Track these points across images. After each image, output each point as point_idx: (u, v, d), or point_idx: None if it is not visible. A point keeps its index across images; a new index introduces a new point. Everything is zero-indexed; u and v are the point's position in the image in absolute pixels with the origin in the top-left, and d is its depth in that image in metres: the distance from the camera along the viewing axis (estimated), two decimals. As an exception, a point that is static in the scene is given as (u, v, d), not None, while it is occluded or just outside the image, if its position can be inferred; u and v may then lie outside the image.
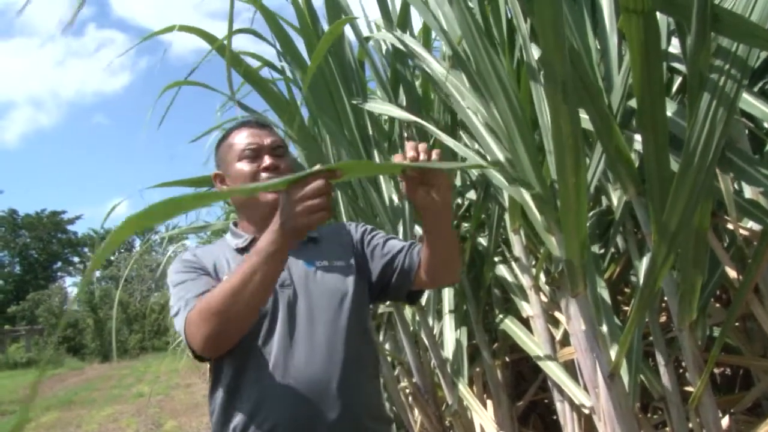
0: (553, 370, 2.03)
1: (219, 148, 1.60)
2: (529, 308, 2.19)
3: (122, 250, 46.26)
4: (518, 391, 2.73)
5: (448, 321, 2.51)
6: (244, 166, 1.50)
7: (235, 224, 1.64)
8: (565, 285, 1.51)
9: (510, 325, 2.27)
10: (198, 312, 1.27)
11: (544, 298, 2.20)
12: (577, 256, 1.44)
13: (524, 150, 1.51)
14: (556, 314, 2.13)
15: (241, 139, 1.54)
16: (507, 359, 2.62)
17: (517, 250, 2.20)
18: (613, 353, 1.55)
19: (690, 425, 1.57)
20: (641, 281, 1.52)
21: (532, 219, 1.68)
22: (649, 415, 1.97)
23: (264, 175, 1.48)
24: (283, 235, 1.14)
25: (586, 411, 1.92)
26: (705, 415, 1.48)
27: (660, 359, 1.59)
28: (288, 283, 1.44)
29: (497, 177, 1.82)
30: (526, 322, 2.22)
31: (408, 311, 2.76)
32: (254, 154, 1.51)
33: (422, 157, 1.15)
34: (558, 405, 2.09)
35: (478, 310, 2.45)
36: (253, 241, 1.51)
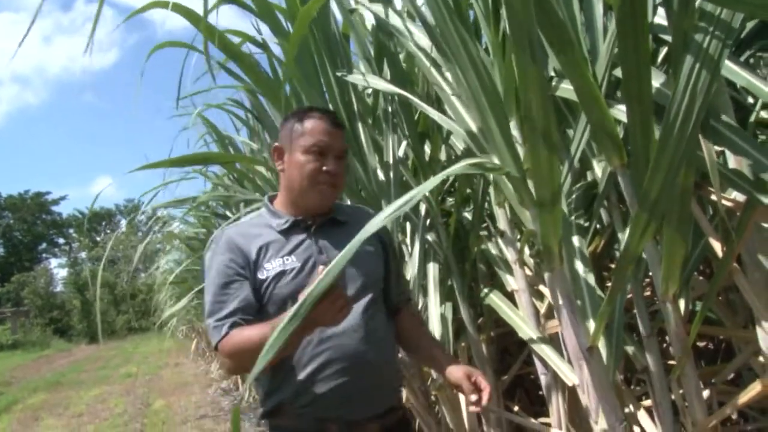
0: (538, 344, 2.04)
1: (289, 124, 1.64)
2: (514, 282, 2.18)
3: (108, 231, 45.98)
4: (504, 366, 2.74)
5: (433, 296, 2.51)
6: (308, 161, 1.57)
7: (271, 200, 1.73)
8: (544, 260, 1.51)
9: (495, 300, 2.27)
10: (231, 349, 1.47)
11: (528, 272, 2.20)
12: (552, 232, 1.43)
13: (496, 125, 1.49)
14: (541, 288, 2.13)
15: (315, 132, 1.58)
16: (492, 334, 2.62)
17: (502, 223, 2.19)
18: (592, 327, 1.55)
19: (672, 396, 1.57)
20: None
21: (507, 194, 1.67)
22: (632, 387, 1.98)
23: (323, 177, 1.57)
24: (303, 329, 1.29)
25: (570, 384, 1.93)
26: (687, 385, 1.48)
27: (643, 331, 1.59)
28: (319, 255, 1.59)
29: (478, 152, 1.80)
30: (511, 296, 2.22)
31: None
32: (321, 152, 1.58)
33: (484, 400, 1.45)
34: (542, 378, 2.10)
35: (463, 285, 2.44)
36: (294, 224, 1.63)
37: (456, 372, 1.56)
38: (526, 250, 2.13)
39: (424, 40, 2.12)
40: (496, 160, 1.55)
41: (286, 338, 1.13)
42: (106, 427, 7.88)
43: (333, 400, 1.55)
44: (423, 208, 2.53)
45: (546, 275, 1.59)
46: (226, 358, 1.50)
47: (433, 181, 1.27)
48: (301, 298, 1.16)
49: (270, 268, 1.59)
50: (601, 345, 1.58)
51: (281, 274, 1.58)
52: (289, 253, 1.60)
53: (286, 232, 1.63)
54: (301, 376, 1.54)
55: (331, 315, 1.27)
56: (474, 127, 1.87)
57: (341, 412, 1.56)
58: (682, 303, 1.52)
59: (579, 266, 1.70)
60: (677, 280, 1.42)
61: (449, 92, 1.96)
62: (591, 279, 1.68)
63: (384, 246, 1.77)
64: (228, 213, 4.37)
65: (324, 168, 1.57)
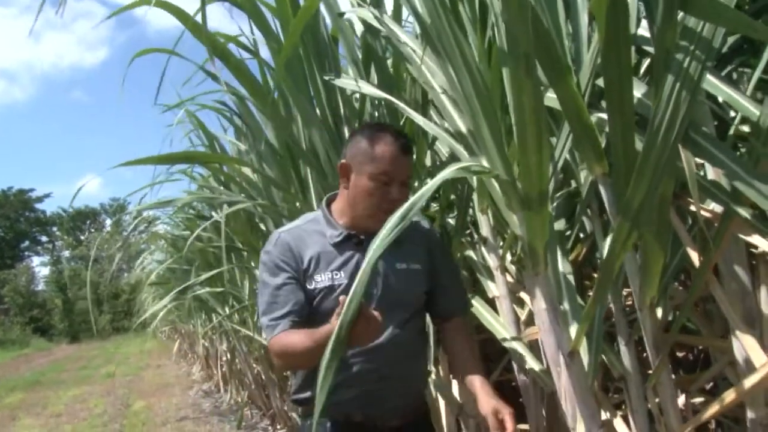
0: (517, 350, 2.05)
1: (359, 143, 1.64)
2: (495, 289, 2.20)
3: (92, 230, 45.63)
4: (484, 373, 2.75)
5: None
6: (374, 189, 1.60)
7: (328, 204, 1.76)
8: (528, 264, 1.52)
9: (476, 306, 2.28)
10: (278, 350, 1.57)
11: (510, 279, 2.21)
12: (539, 235, 1.45)
13: (487, 128, 1.50)
14: (522, 294, 2.14)
15: (385, 160, 1.60)
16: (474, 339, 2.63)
17: (485, 230, 2.20)
18: (573, 332, 1.56)
19: (648, 405, 1.59)
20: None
21: (495, 197, 1.69)
22: (610, 394, 1.99)
23: (386, 206, 1.56)
24: (350, 345, 1.33)
25: (549, 390, 1.94)
26: (663, 393, 1.50)
27: (621, 339, 1.60)
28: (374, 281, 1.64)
29: (465, 156, 1.81)
30: (492, 303, 2.23)
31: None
32: (388, 180, 1.60)
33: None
34: (521, 384, 2.11)
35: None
36: (347, 237, 1.67)
37: (486, 405, 1.58)
38: (508, 257, 2.14)
39: (415, 41, 2.13)
40: (485, 163, 1.57)
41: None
42: (84, 427, 7.81)
43: (358, 404, 1.67)
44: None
45: (527, 281, 1.61)
46: (273, 356, 1.61)
47: (431, 186, 1.29)
48: (335, 327, 1.25)
49: (319, 280, 1.65)
50: (582, 350, 1.60)
51: (330, 289, 1.64)
52: (339, 268, 1.65)
53: (339, 245, 1.67)
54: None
55: (365, 336, 1.34)
56: (464, 129, 1.88)
57: (366, 411, 1.68)
58: (659, 311, 1.54)
59: (562, 272, 1.71)
60: (655, 289, 1.43)
61: (439, 91, 1.97)
62: (573, 285, 1.69)
63: (432, 259, 1.79)
64: (214, 214, 4.35)
65: (387, 197, 1.60)
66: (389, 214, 1.53)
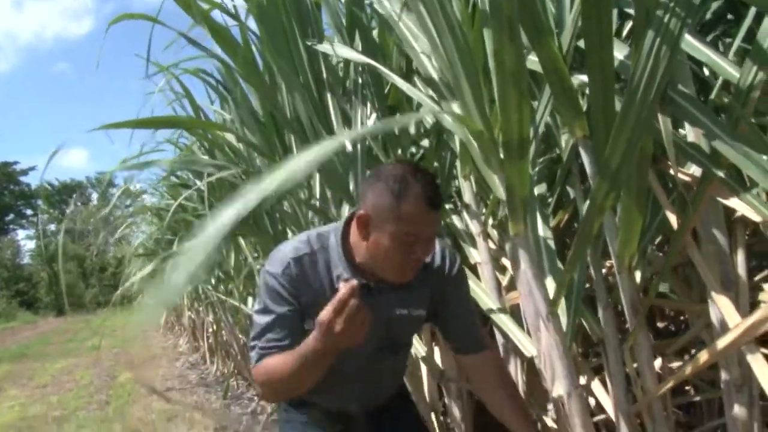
0: (498, 316, 2.06)
1: (382, 195, 1.39)
2: (477, 255, 2.20)
3: (78, 204, 45.27)
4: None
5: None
6: (398, 251, 1.40)
7: (346, 226, 1.53)
8: (510, 225, 1.52)
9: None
10: (263, 376, 1.48)
11: (492, 246, 2.22)
12: (519, 185, 1.44)
13: (468, 87, 1.49)
14: (504, 261, 2.15)
15: (413, 221, 1.37)
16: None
17: (467, 196, 2.20)
18: (552, 294, 1.57)
19: (626, 369, 1.60)
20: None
21: (476, 159, 1.67)
22: (589, 359, 2.02)
23: (411, 264, 1.44)
24: (325, 354, 1.34)
25: (528, 355, 1.96)
26: (640, 355, 1.51)
27: (599, 303, 1.61)
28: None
29: (448, 120, 1.80)
30: (474, 270, 2.24)
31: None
32: (413, 241, 1.40)
33: None
34: (502, 351, 2.13)
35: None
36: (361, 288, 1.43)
37: None
38: (490, 222, 2.15)
39: (397, 3, 2.10)
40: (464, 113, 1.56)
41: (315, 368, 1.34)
42: (70, 398, 7.82)
43: (337, 406, 1.69)
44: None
45: (509, 245, 1.61)
46: (259, 385, 1.53)
47: (404, 120, 1.26)
48: (319, 321, 1.25)
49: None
50: (561, 312, 1.61)
51: None
52: None
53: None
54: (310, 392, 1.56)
55: (351, 333, 1.27)
56: (446, 92, 1.86)
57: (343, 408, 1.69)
58: (638, 275, 1.55)
59: (542, 235, 1.72)
60: (634, 249, 1.44)
61: (419, 50, 1.95)
62: (553, 249, 1.70)
63: (439, 303, 1.65)
64: (198, 182, 4.32)
65: (413, 257, 1.42)
66: (411, 272, 1.46)
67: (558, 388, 1.53)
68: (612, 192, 1.32)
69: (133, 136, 5.47)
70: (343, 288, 1.27)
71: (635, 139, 1.23)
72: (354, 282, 1.29)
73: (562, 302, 1.65)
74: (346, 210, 2.63)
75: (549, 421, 1.95)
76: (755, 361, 1.27)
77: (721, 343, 1.30)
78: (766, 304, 1.27)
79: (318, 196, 2.87)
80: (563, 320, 1.61)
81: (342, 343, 1.29)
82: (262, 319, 1.50)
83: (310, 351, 1.34)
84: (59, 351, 13.93)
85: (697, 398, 2.00)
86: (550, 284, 1.64)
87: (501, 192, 1.53)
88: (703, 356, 1.35)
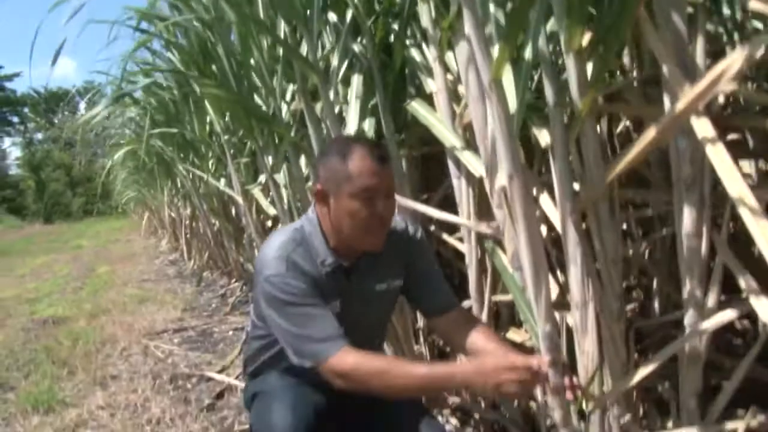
0: (450, 140, 1.97)
1: (330, 163, 1.49)
2: (434, 84, 2.09)
3: (66, 112, 44.57)
4: (426, 188, 2.74)
5: (354, 109, 2.40)
6: (359, 209, 1.46)
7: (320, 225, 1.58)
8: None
9: (415, 106, 2.18)
10: (365, 371, 1.41)
11: (450, 77, 2.10)
12: None
13: None
14: (460, 89, 2.03)
15: (362, 177, 1.44)
16: (414, 154, 2.55)
17: (425, 20, 2.06)
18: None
19: (570, 157, 1.48)
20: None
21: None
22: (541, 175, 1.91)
23: (375, 222, 1.48)
24: (472, 387, 1.44)
25: (477, 175, 1.87)
26: (586, 147, 1.41)
27: (549, 100, 1.47)
28: (353, 298, 1.60)
29: None
30: (430, 100, 2.13)
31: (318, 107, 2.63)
32: (370, 196, 1.45)
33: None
34: (455, 182, 2.04)
35: (386, 97, 2.33)
36: (337, 268, 1.57)
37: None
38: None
39: None
40: None
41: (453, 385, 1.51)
42: (47, 285, 7.85)
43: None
44: (350, 13, 2.37)
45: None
46: (348, 378, 1.42)
47: None
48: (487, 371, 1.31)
49: None
50: (507, 80, 1.49)
51: None
52: (335, 298, 1.57)
53: (329, 275, 1.56)
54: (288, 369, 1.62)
55: (499, 387, 1.31)
56: None
57: None
58: (590, 66, 1.42)
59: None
60: (582, 25, 1.31)
61: None
62: (501, 17, 1.55)
63: (412, 265, 1.69)
64: (171, 56, 4.14)
65: (375, 213, 1.47)
66: (379, 231, 1.51)
67: (501, 170, 1.43)
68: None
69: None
70: (535, 360, 1.33)
71: None
72: (546, 360, 1.36)
73: (510, 76, 1.53)
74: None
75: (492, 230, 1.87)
76: (699, 125, 1.17)
77: (676, 109, 1.19)
78: (710, 71, 1.15)
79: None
80: (510, 95, 1.49)
81: (490, 389, 1.32)
82: (295, 320, 1.47)
83: (459, 381, 1.40)
84: (42, 249, 13.97)
85: (649, 213, 1.92)
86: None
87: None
88: (650, 133, 1.25)
